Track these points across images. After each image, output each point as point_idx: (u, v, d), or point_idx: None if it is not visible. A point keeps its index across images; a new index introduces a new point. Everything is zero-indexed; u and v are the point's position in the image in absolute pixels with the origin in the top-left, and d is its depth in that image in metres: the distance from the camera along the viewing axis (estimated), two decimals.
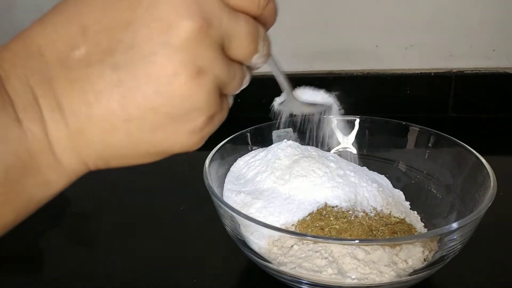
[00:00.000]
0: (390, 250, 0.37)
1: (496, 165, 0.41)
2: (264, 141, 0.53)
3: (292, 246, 0.38)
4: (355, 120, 0.55)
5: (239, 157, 0.51)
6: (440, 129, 0.49)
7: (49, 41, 0.21)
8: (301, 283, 0.37)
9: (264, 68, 0.81)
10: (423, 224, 0.46)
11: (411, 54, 0.77)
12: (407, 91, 0.78)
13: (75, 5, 0.21)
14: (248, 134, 0.52)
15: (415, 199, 0.48)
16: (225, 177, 0.48)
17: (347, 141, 0.55)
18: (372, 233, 0.40)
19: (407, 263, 0.37)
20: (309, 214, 0.43)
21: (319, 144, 0.53)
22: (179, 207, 0.55)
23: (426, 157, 0.50)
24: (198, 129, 0.22)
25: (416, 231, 0.43)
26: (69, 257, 0.47)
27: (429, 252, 0.38)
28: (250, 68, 0.25)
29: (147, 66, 0.20)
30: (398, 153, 0.53)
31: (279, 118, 0.38)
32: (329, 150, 0.55)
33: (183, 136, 0.22)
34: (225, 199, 0.45)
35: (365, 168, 0.52)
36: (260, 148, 0.52)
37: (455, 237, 0.36)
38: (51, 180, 0.22)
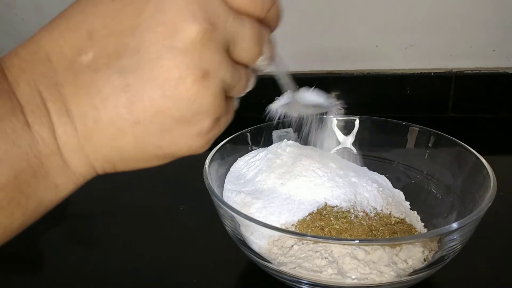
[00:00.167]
0: (390, 250, 0.37)
1: (496, 165, 0.41)
2: (264, 141, 0.53)
3: (292, 246, 0.38)
4: (355, 120, 0.55)
5: (239, 157, 0.51)
6: (440, 129, 0.49)
7: (56, 47, 0.21)
8: (301, 283, 0.37)
9: None
10: (423, 224, 0.46)
11: (411, 54, 0.77)
12: (407, 91, 0.78)
13: (82, 11, 0.21)
14: (248, 134, 0.52)
15: (415, 199, 0.48)
16: (225, 177, 0.48)
17: (347, 141, 0.55)
18: (372, 233, 0.40)
19: (407, 263, 0.37)
20: (309, 214, 0.43)
21: (319, 144, 0.53)
22: (179, 207, 0.55)
23: (426, 157, 0.50)
24: (204, 132, 0.23)
25: (416, 231, 0.43)
26: (69, 257, 0.47)
27: (429, 252, 0.38)
28: (254, 70, 0.26)
29: (154, 70, 0.20)
30: (398, 153, 0.53)
31: (277, 119, 0.38)
32: (329, 150, 0.55)
33: (190, 138, 0.23)
34: (225, 199, 0.45)
35: (365, 168, 0.52)
36: (260, 148, 0.52)
37: (455, 237, 0.36)
38: (60, 184, 0.22)
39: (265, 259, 0.39)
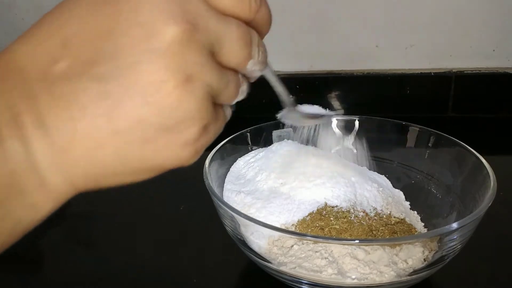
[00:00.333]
0: (390, 250, 0.37)
1: (496, 165, 0.41)
2: (264, 141, 0.53)
3: (292, 246, 0.38)
4: (355, 120, 0.55)
5: (239, 157, 0.51)
6: (440, 129, 0.49)
7: (30, 56, 0.20)
8: (301, 283, 0.37)
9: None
10: (423, 224, 0.46)
11: (411, 54, 0.77)
12: (407, 91, 0.78)
13: (57, 18, 0.20)
14: (248, 134, 0.52)
15: (415, 199, 0.48)
16: (225, 177, 0.48)
17: (347, 141, 0.55)
18: (372, 233, 0.40)
19: (407, 263, 0.37)
20: (309, 214, 0.43)
21: (319, 144, 0.53)
22: (179, 207, 0.55)
23: (426, 157, 0.50)
24: (191, 141, 0.21)
25: (416, 231, 0.43)
26: (69, 257, 0.47)
27: (429, 252, 0.38)
28: (247, 77, 0.25)
29: (132, 76, 0.19)
30: (398, 153, 0.53)
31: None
32: (329, 150, 0.55)
33: (176, 149, 0.21)
34: (225, 199, 0.45)
35: (365, 168, 0.52)
36: (260, 148, 0.52)
37: (455, 237, 0.36)
38: (38, 202, 0.20)
39: (265, 259, 0.39)
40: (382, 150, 0.53)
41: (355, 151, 0.55)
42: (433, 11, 0.74)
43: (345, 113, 0.78)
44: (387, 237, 0.40)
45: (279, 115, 0.34)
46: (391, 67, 0.78)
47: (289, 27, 0.76)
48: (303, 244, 0.38)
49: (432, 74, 0.76)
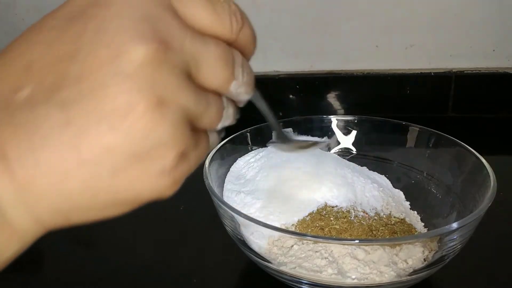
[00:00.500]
0: (390, 250, 0.37)
1: (496, 165, 0.41)
2: (264, 141, 0.53)
3: (292, 246, 0.38)
4: (355, 120, 0.55)
5: (239, 157, 0.51)
6: (440, 129, 0.49)
7: None
8: (301, 283, 0.37)
9: (263, 68, 0.82)
10: (423, 224, 0.46)
11: (411, 54, 0.77)
12: (407, 91, 0.78)
13: (23, 42, 0.19)
14: (248, 134, 0.52)
15: (415, 199, 0.48)
16: (225, 177, 0.48)
17: (347, 141, 0.55)
18: (372, 233, 0.40)
19: (407, 263, 0.37)
20: (309, 214, 0.43)
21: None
22: (179, 207, 0.55)
23: (426, 157, 0.50)
24: (167, 170, 0.19)
25: (416, 231, 0.43)
26: (69, 257, 0.47)
27: (429, 252, 0.38)
28: (234, 101, 0.23)
29: (97, 100, 0.17)
30: (398, 153, 0.53)
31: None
32: (329, 150, 0.55)
33: (150, 179, 0.19)
34: (225, 199, 0.45)
35: (365, 168, 0.52)
36: (260, 148, 0.52)
37: (455, 237, 0.36)
38: (0, 243, 0.19)
39: (265, 259, 0.39)
40: (382, 150, 0.53)
41: (355, 151, 0.55)
42: (433, 11, 0.74)
43: (345, 113, 0.79)
44: (387, 237, 0.40)
45: (269, 144, 0.33)
46: (391, 67, 0.78)
47: (289, 27, 0.76)
48: (303, 244, 0.38)
49: (432, 74, 0.76)
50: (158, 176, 0.19)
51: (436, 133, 0.49)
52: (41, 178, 0.18)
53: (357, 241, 0.38)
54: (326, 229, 0.41)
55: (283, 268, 0.37)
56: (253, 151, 0.52)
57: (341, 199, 0.44)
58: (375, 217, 0.43)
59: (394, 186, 0.50)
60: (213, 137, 0.23)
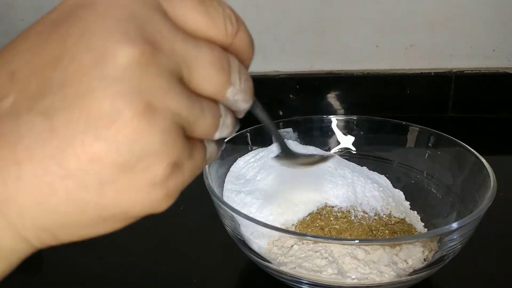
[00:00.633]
0: (390, 250, 0.37)
1: (496, 165, 0.41)
2: (264, 141, 0.53)
3: (292, 246, 0.38)
4: (355, 120, 0.55)
5: (239, 157, 0.51)
6: (440, 129, 0.49)
7: None
8: (301, 283, 0.37)
9: (263, 68, 0.81)
10: (423, 224, 0.46)
11: (411, 54, 0.77)
12: (407, 91, 0.78)
13: (9, 50, 0.18)
14: (248, 134, 0.52)
15: (415, 199, 0.48)
16: (225, 177, 0.48)
17: (347, 141, 0.55)
18: (372, 233, 0.40)
19: (407, 263, 0.37)
20: (309, 214, 0.43)
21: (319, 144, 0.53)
22: (179, 207, 0.55)
23: (426, 157, 0.50)
24: (159, 181, 0.18)
25: (416, 231, 0.43)
26: (69, 257, 0.47)
27: (429, 252, 0.38)
28: (232, 110, 0.22)
29: (83, 107, 0.16)
30: (398, 153, 0.53)
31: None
32: (329, 150, 0.55)
33: (140, 191, 0.18)
34: (225, 199, 0.45)
35: (365, 168, 0.52)
36: (260, 148, 0.52)
37: (455, 237, 0.36)
38: None
39: (265, 259, 0.39)
40: (382, 150, 0.53)
41: (355, 151, 0.55)
42: (433, 11, 0.74)
43: (345, 113, 0.79)
44: (387, 237, 0.40)
45: (273, 159, 0.31)
46: (391, 67, 0.78)
47: (289, 27, 0.76)
48: (303, 244, 0.38)
49: (432, 74, 0.76)
50: (149, 189, 0.18)
51: (436, 133, 0.49)
52: (23, 193, 0.17)
53: (357, 241, 0.38)
54: (326, 229, 0.41)
55: (283, 268, 0.37)
56: (253, 151, 0.52)
57: (341, 199, 0.44)
58: (375, 217, 0.43)
59: (394, 186, 0.50)
60: (211, 148, 0.21)
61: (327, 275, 0.36)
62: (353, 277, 0.35)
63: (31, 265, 0.47)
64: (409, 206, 0.48)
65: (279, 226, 0.41)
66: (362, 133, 0.55)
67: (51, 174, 0.17)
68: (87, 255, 0.48)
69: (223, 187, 0.47)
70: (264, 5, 0.74)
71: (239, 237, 0.40)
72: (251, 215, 0.40)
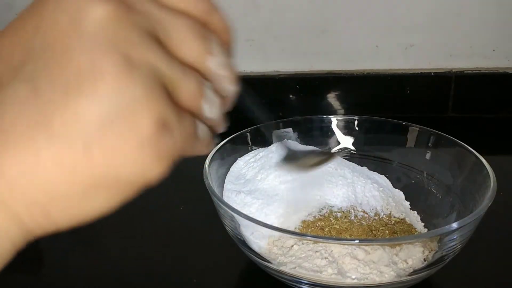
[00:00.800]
0: (390, 250, 0.37)
1: (496, 165, 0.41)
2: (264, 141, 0.53)
3: (292, 246, 0.38)
4: (355, 120, 0.55)
5: (239, 157, 0.51)
6: (440, 129, 0.49)
7: None
8: (301, 283, 0.37)
9: (263, 68, 0.81)
10: (423, 224, 0.46)
11: (411, 54, 0.77)
12: (407, 91, 0.78)
13: None
14: (248, 134, 0.52)
15: (415, 199, 0.48)
16: (225, 177, 0.48)
17: (347, 141, 0.55)
18: (372, 233, 0.40)
19: (407, 263, 0.37)
20: (309, 214, 0.43)
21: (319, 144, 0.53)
22: (179, 207, 0.55)
23: (426, 157, 0.50)
24: (147, 140, 0.17)
25: (416, 231, 0.43)
26: (69, 257, 0.47)
27: (429, 252, 0.38)
28: (220, 93, 0.21)
29: (63, 65, 0.17)
30: (398, 153, 0.53)
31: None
32: (329, 150, 0.55)
33: (129, 152, 0.17)
34: (225, 199, 0.45)
35: (365, 168, 0.52)
36: (260, 148, 0.52)
37: (455, 237, 0.36)
38: None
39: (265, 259, 0.39)
40: (382, 150, 0.53)
41: (355, 151, 0.55)
42: (433, 11, 0.73)
43: (345, 113, 0.79)
44: (387, 237, 0.40)
45: (279, 164, 0.30)
46: (391, 67, 0.78)
47: (289, 27, 0.76)
48: (303, 244, 0.38)
49: (432, 74, 0.76)
50: (138, 149, 0.17)
51: (436, 133, 0.49)
52: (11, 163, 0.17)
53: (357, 241, 0.38)
54: (326, 229, 0.41)
55: (283, 268, 0.37)
56: (253, 151, 0.52)
57: (341, 199, 0.44)
58: (375, 217, 0.43)
59: (394, 186, 0.50)
60: (203, 127, 0.21)
61: (327, 275, 0.36)
62: (353, 277, 0.35)
63: (31, 265, 0.47)
64: (409, 206, 0.48)
65: (279, 226, 0.41)
66: (362, 133, 0.55)
67: (36, 139, 0.17)
68: (87, 255, 0.48)
69: (223, 187, 0.47)
70: (264, 5, 0.74)
71: (239, 237, 0.40)
72: (251, 215, 0.40)
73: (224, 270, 0.44)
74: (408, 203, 0.48)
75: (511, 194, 0.51)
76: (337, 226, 0.41)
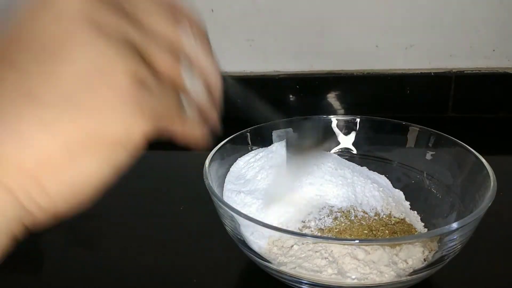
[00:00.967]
0: (390, 250, 0.37)
1: (496, 165, 0.41)
2: (264, 141, 0.53)
3: (292, 246, 0.38)
4: (355, 120, 0.55)
5: (239, 157, 0.51)
6: (440, 129, 0.49)
7: None
8: (301, 283, 0.37)
9: (263, 68, 0.81)
10: (423, 224, 0.46)
11: (411, 54, 0.77)
12: (407, 91, 0.78)
13: None
14: (248, 134, 0.52)
15: (415, 199, 0.48)
16: (225, 177, 0.48)
17: (347, 141, 0.55)
18: (372, 233, 0.40)
19: (407, 263, 0.37)
20: (309, 214, 0.43)
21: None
22: (179, 207, 0.55)
23: (426, 157, 0.50)
24: (127, 95, 0.19)
25: (416, 231, 0.43)
26: (69, 257, 0.47)
27: (429, 252, 0.38)
28: (207, 82, 0.23)
29: (38, 37, 0.18)
30: (398, 153, 0.53)
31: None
32: (329, 150, 0.55)
33: (114, 109, 0.18)
34: (225, 199, 0.45)
35: (365, 168, 0.52)
36: (260, 148, 0.52)
37: (455, 237, 0.36)
38: None
39: (265, 259, 0.39)
40: (382, 150, 0.53)
41: (355, 151, 0.55)
42: (433, 11, 0.74)
43: (345, 113, 0.78)
44: (387, 237, 0.40)
45: (288, 161, 0.31)
46: (391, 67, 0.78)
47: (289, 27, 0.76)
48: (303, 244, 0.38)
49: (432, 74, 0.76)
50: (121, 105, 0.19)
51: (436, 133, 0.49)
52: (2, 135, 0.17)
53: (357, 241, 0.38)
54: (326, 229, 0.41)
55: (283, 268, 0.37)
56: (253, 151, 0.52)
57: (341, 199, 0.44)
58: (375, 217, 0.43)
59: (394, 186, 0.50)
60: (191, 108, 0.22)
61: (327, 275, 0.36)
62: (353, 277, 0.35)
63: (31, 265, 0.47)
64: (409, 206, 0.48)
65: (279, 226, 0.41)
66: (362, 133, 0.55)
67: (21, 109, 0.17)
68: (87, 255, 0.48)
69: (223, 187, 0.47)
70: (264, 5, 0.74)
71: (239, 237, 0.40)
72: (251, 215, 0.40)
73: (224, 270, 0.44)
74: (408, 203, 0.48)
75: (511, 194, 0.51)
76: (337, 226, 0.41)
